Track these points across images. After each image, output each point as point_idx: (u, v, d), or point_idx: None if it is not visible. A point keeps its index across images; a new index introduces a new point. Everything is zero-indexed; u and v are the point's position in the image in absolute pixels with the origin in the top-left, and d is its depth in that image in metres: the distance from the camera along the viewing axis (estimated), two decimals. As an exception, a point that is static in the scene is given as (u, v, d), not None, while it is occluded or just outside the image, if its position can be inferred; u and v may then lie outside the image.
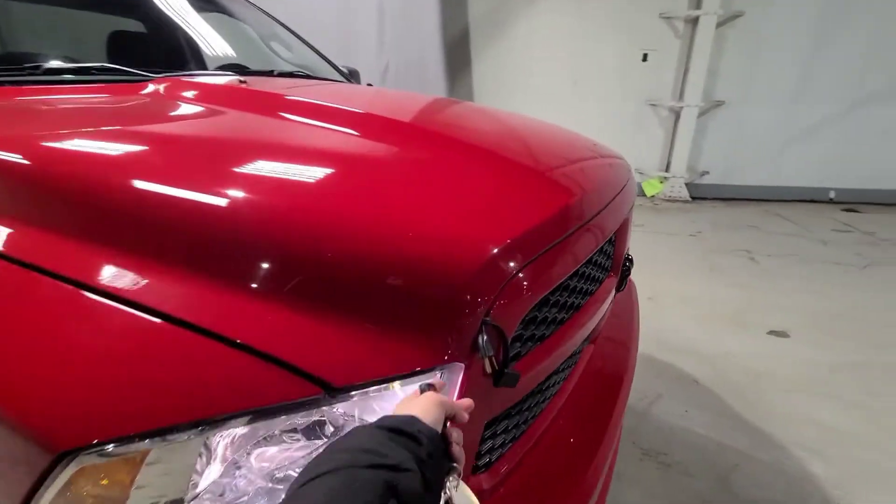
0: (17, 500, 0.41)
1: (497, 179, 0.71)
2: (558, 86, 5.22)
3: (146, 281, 0.46)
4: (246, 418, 0.40)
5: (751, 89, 4.80)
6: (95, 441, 0.38)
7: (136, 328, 0.43)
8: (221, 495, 0.43)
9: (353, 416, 0.46)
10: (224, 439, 0.42)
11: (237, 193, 0.57)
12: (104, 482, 0.39)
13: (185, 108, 0.92)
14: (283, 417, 0.42)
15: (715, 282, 2.95)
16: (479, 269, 0.49)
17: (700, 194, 5.14)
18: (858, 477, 1.45)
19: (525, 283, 0.53)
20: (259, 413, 0.40)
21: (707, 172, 5.15)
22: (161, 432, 0.38)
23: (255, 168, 0.65)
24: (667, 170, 5.18)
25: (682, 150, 4.99)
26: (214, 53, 1.49)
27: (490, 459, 0.60)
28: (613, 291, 0.88)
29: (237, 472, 0.43)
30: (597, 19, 4.90)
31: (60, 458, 0.38)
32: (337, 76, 1.84)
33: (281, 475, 0.45)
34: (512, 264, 0.52)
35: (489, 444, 0.58)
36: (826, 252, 3.53)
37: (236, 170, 0.64)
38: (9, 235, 0.53)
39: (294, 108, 0.96)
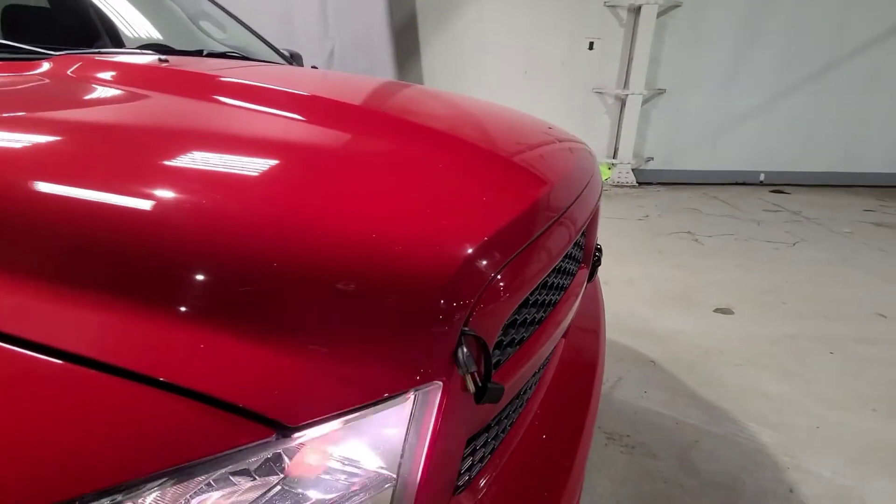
0: None
1: (464, 169, 0.64)
2: (508, 73, 5.21)
3: (36, 310, 0.36)
4: (175, 478, 0.32)
5: (688, 78, 5.02)
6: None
7: (22, 373, 0.33)
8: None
9: (315, 448, 0.39)
10: (152, 498, 0.34)
11: (159, 193, 0.47)
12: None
13: (93, 91, 0.78)
14: (226, 467, 0.34)
15: (663, 264, 3.07)
16: (455, 273, 0.43)
17: (645, 179, 5.34)
18: (802, 442, 1.54)
19: (505, 284, 0.47)
20: (192, 467, 0.32)
21: (651, 158, 5.36)
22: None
23: (181, 161, 0.55)
24: (614, 156, 5.34)
25: (629, 137, 5.15)
26: (131, 31, 1.32)
27: (469, 477, 0.55)
28: (585, 283, 0.85)
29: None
30: (545, 7, 4.92)
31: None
32: (277, 59, 1.69)
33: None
34: (491, 265, 0.46)
35: (469, 461, 0.53)
36: (759, 231, 3.78)
37: (158, 163, 0.54)
38: None
39: (229, 90, 0.85)
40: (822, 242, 3.49)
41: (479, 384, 0.43)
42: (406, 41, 5.10)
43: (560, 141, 0.89)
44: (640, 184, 5.28)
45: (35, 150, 0.53)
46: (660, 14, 4.71)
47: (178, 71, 0.93)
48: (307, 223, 0.44)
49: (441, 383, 0.42)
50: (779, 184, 5.30)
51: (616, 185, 5.25)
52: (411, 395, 0.40)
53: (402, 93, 1.18)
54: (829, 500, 1.34)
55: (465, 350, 0.42)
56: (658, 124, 5.25)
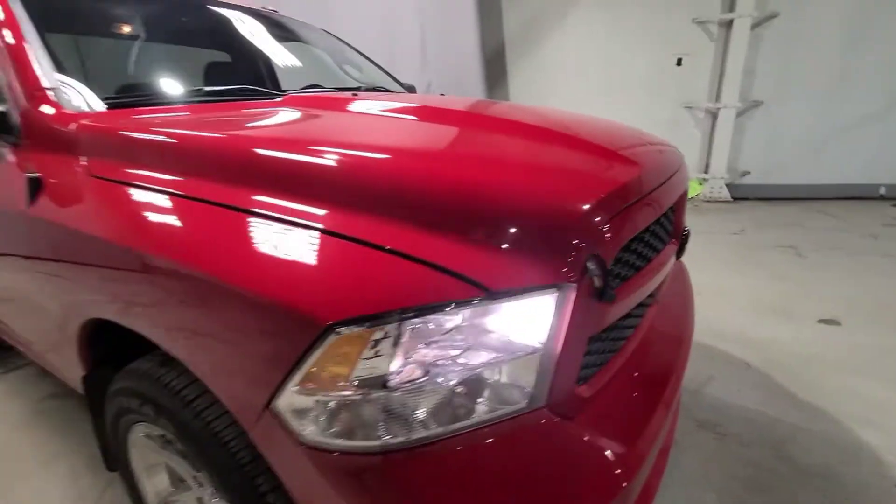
0: (285, 367, 0.60)
1: (586, 155, 0.89)
2: (593, 94, 5.35)
3: (378, 224, 0.65)
4: (433, 311, 0.58)
5: (788, 88, 4.79)
6: (349, 318, 0.57)
7: (362, 254, 0.62)
8: (408, 377, 0.61)
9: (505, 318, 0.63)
10: (411, 330, 0.60)
11: (430, 160, 0.76)
12: (345, 351, 0.58)
13: (324, 112, 1.13)
14: (456, 312, 0.60)
15: (761, 276, 2.99)
16: (589, 213, 0.67)
17: (741, 194, 5.12)
18: (913, 447, 1.51)
19: (617, 227, 0.70)
20: (441, 306, 0.58)
21: (748, 172, 5.13)
22: (387, 315, 0.57)
23: (436, 144, 0.84)
24: (706, 171, 5.19)
25: (721, 150, 5.00)
26: (292, 75, 1.74)
27: (587, 375, 0.76)
28: (674, 256, 1.03)
29: (419, 358, 0.61)
30: (629, 28, 5.04)
31: (327, 329, 0.57)
32: (403, 91, 2.07)
33: (446, 363, 0.62)
34: (610, 210, 0.69)
35: (588, 359, 0.74)
36: (875, 246, 3.50)
37: (428, 147, 0.83)
38: (270, 201, 0.72)
39: (424, 110, 1.14)
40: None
41: (600, 287, 0.65)
42: (495, 69, 5.48)
43: (651, 143, 1.09)
44: (735, 199, 5.07)
45: (346, 136, 0.85)
46: (754, 26, 4.60)
47: (380, 95, 1.27)
48: (515, 183, 0.71)
49: (576, 285, 0.65)
50: (902, 197, 4.80)
51: (708, 201, 5.09)
52: (558, 290, 0.64)
53: (526, 109, 1.44)
54: (941, 499, 1.32)
55: (593, 263, 0.65)
56: (754, 137, 5.04)
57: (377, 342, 0.59)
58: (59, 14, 1.21)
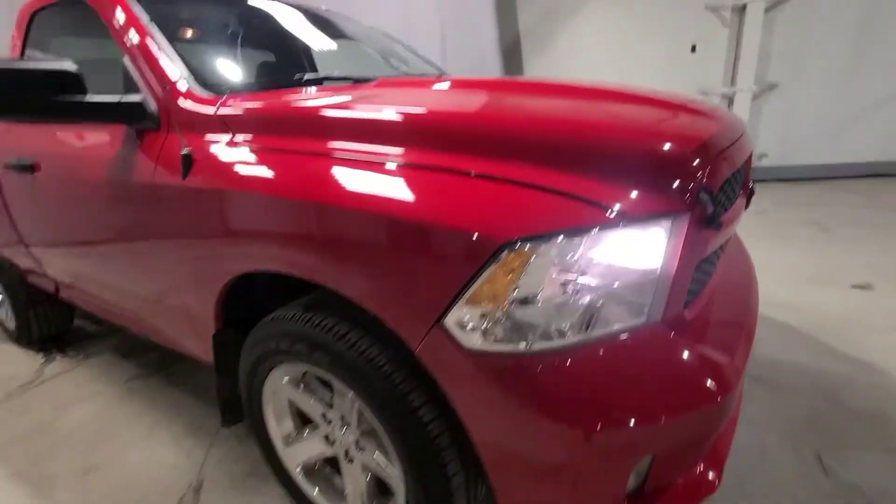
0: (457, 286, 0.73)
1: (677, 111, 1.00)
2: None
3: (530, 168, 0.77)
4: (582, 233, 0.70)
5: (804, 69, 4.86)
6: (518, 237, 0.69)
7: (520, 190, 0.74)
8: (557, 291, 0.73)
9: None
10: (562, 249, 0.72)
11: (561, 115, 0.88)
12: (510, 267, 0.70)
13: (425, 87, 1.25)
14: (599, 235, 0.72)
15: (790, 250, 3.08)
16: (700, 152, 0.78)
17: (760, 177, 5.19)
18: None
19: (718, 166, 0.82)
20: (588, 229, 0.71)
21: (765, 155, 5.20)
22: (547, 235, 0.69)
23: (556, 105, 0.96)
24: (723, 155, 5.26)
25: (738, 134, 5.07)
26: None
27: (688, 300, 0.88)
28: (744, 207, 1.14)
29: (566, 275, 0.73)
30: (643, 17, 5.13)
31: (500, 247, 0.69)
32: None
33: (586, 280, 0.74)
34: (713, 152, 0.81)
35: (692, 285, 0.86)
36: (900, 219, 3.57)
37: (552, 107, 0.95)
38: (416, 156, 0.83)
39: (505, 84, 1.26)
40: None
41: (710, 215, 0.77)
42: (511, 63, 5.60)
43: (715, 107, 1.21)
44: (753, 181, 5.13)
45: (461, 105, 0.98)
46: (768, 9, 4.68)
47: (452, 79, 1.38)
48: (638, 129, 0.82)
49: (689, 213, 0.76)
50: (923, 173, 4.84)
51: (727, 184, 5.16)
52: (675, 218, 0.75)
53: (598, 81, 1.54)
54: None
55: (704, 194, 0.76)
56: (771, 120, 5.11)
57: (536, 259, 0.71)
58: (171, 14, 1.35)
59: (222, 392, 1.32)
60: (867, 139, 4.91)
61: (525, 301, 0.73)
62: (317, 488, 1.21)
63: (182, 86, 1.14)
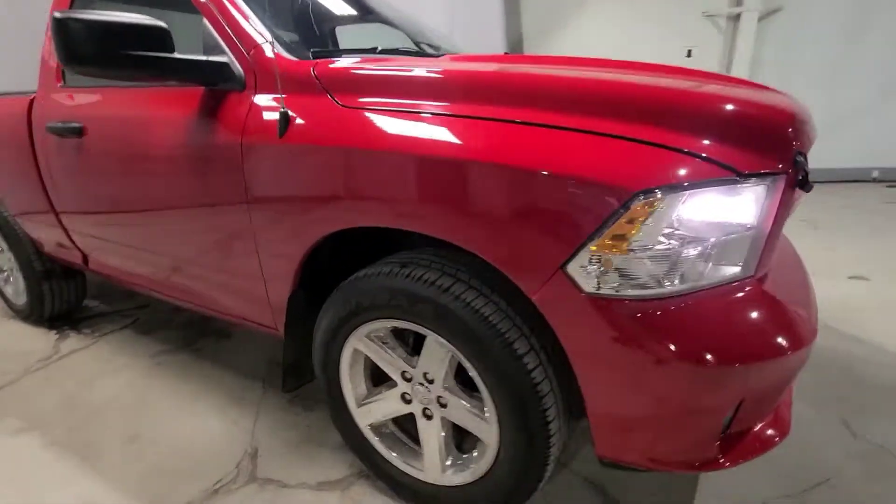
0: (585, 234, 0.78)
1: (764, 90, 1.08)
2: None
3: (652, 128, 0.81)
4: (703, 185, 0.77)
5: (790, 78, 5.10)
6: (648, 187, 0.75)
7: (646, 148, 0.79)
8: (673, 240, 0.80)
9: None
10: (685, 201, 0.78)
11: (668, 86, 0.93)
12: (638, 216, 0.76)
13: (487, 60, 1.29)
14: (712, 189, 0.78)
15: (786, 244, 3.25)
16: (797, 121, 0.86)
17: (747, 179, 5.42)
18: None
19: (806, 136, 0.90)
20: (709, 183, 0.77)
21: (753, 158, 5.44)
22: (673, 186, 0.75)
23: (646, 77, 1.00)
24: (713, 157, 5.48)
25: (729, 137, 5.29)
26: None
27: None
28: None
29: (684, 225, 0.79)
30: (643, 21, 5.30)
31: (633, 196, 0.75)
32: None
33: (698, 231, 0.81)
34: (804, 123, 0.89)
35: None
36: (883, 218, 3.81)
37: (650, 78, 0.99)
38: (548, 118, 0.86)
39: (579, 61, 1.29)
40: (955, 227, 3.48)
41: (803, 177, 0.85)
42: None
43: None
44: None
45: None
46: (760, 19, 4.91)
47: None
48: (743, 100, 0.87)
49: (786, 175, 0.84)
50: (894, 180, 5.17)
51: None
52: (775, 178, 0.83)
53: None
54: None
55: (801, 157, 0.84)
56: (759, 125, 5.34)
57: (659, 209, 0.77)
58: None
59: (288, 357, 1.34)
60: (842, 146, 5.20)
61: (644, 248, 0.79)
62: (389, 447, 1.24)
63: (268, 49, 1.15)
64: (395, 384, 1.19)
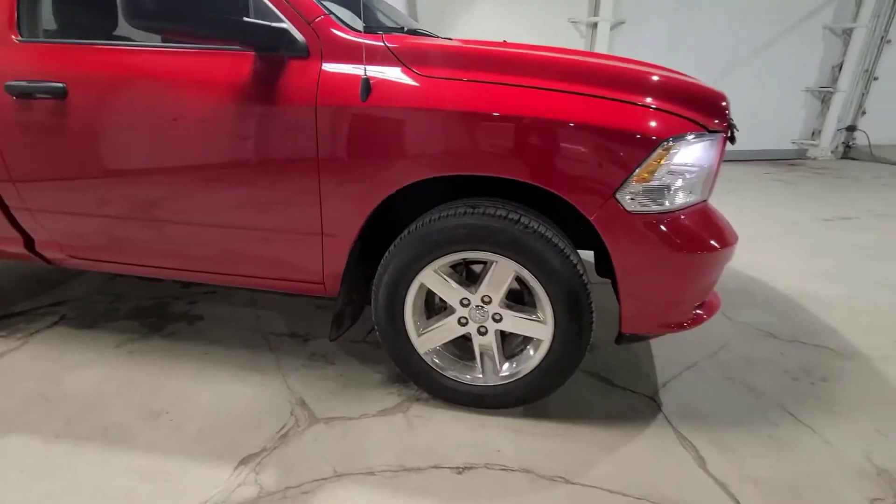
0: (629, 169, 1.15)
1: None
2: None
3: (660, 101, 1.20)
4: (697, 137, 1.19)
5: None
6: (670, 136, 1.13)
7: (658, 114, 1.17)
8: (675, 173, 1.21)
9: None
10: (687, 146, 1.19)
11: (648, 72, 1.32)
12: (661, 155, 1.15)
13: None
14: (698, 139, 1.21)
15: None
16: (726, 99, 1.34)
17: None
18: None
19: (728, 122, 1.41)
20: (701, 134, 1.19)
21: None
22: (683, 136, 1.16)
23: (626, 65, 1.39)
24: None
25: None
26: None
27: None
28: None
29: (683, 163, 1.21)
30: (521, 23, 6.02)
31: (660, 143, 1.13)
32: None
33: (686, 168, 1.24)
34: (725, 103, 1.39)
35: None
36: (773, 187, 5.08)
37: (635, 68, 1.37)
38: (601, 91, 1.19)
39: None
40: (750, 189, 4.81)
41: (733, 135, 1.34)
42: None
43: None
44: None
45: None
46: (612, 28, 5.99)
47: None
48: (699, 85, 1.32)
49: (722, 135, 1.31)
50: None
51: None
52: (720, 134, 1.29)
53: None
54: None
55: (733, 121, 1.33)
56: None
57: (673, 152, 1.18)
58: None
59: (338, 307, 1.48)
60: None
61: (661, 179, 1.20)
62: (447, 366, 1.49)
63: (334, 19, 1.28)
64: (449, 314, 1.44)
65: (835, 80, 6.42)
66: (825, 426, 1.48)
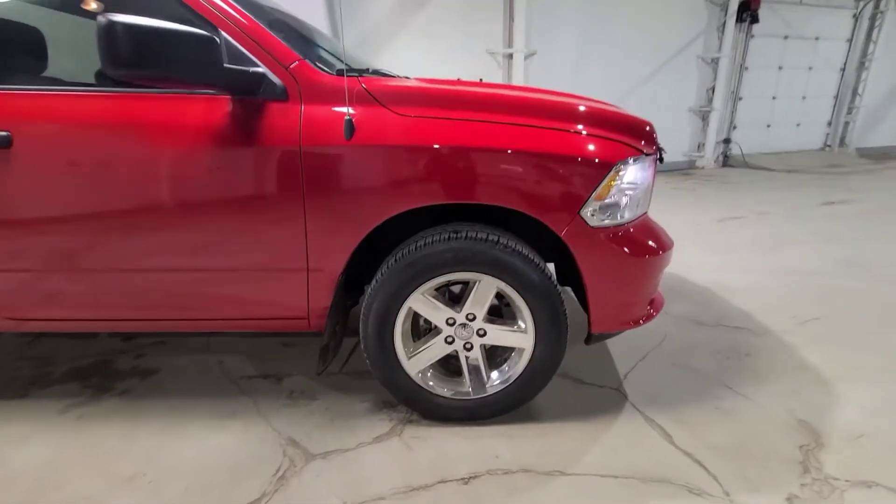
0: (590, 189, 1.33)
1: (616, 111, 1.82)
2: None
3: (603, 130, 1.40)
4: (637, 159, 1.41)
5: (546, 103, 6.92)
6: (619, 160, 1.33)
7: (604, 141, 1.37)
8: (622, 191, 1.42)
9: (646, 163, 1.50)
10: (631, 167, 1.40)
11: (591, 105, 1.53)
12: (612, 177, 1.35)
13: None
14: (639, 162, 1.42)
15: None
16: (649, 129, 1.60)
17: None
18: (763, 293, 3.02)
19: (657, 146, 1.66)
20: (641, 157, 1.41)
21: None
22: (627, 160, 1.37)
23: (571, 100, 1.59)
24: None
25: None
26: None
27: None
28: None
29: (629, 182, 1.42)
30: (442, 54, 6.35)
31: (613, 166, 1.32)
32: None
33: (630, 186, 1.45)
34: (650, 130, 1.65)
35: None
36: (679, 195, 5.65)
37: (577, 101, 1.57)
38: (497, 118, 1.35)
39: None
40: (657, 198, 5.43)
41: (662, 158, 1.59)
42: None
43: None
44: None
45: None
46: (526, 58, 6.53)
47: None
48: (610, 115, 1.56)
49: (655, 156, 1.56)
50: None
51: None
52: (652, 157, 1.53)
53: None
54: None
55: (660, 147, 1.58)
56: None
57: (621, 173, 1.38)
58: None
59: (325, 340, 1.50)
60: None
61: (613, 197, 1.40)
62: (438, 385, 1.56)
63: (309, 63, 1.34)
64: (436, 334, 1.52)
65: (710, 100, 7.51)
66: (756, 393, 1.76)
